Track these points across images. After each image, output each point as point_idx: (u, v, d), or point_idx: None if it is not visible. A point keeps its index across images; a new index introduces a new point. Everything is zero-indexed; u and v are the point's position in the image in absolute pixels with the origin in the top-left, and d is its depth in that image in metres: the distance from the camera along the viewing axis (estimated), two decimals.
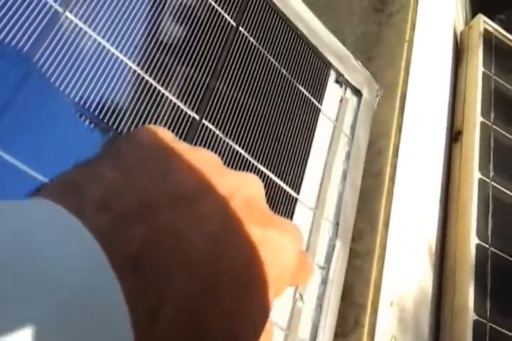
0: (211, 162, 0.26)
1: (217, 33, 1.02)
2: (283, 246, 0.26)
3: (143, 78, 0.86)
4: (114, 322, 0.19)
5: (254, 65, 1.06)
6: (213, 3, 1.01)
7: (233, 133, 0.98)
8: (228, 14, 1.04)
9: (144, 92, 0.86)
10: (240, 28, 1.06)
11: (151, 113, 0.87)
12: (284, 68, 1.12)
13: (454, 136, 1.45)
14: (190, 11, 0.98)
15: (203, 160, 0.26)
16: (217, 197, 0.24)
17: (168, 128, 0.90)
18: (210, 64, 0.97)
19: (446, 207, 1.33)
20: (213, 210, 0.24)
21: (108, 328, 0.18)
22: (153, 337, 0.20)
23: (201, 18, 0.98)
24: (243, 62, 1.04)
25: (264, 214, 0.27)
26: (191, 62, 0.95)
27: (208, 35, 0.99)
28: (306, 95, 1.15)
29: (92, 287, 0.18)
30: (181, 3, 0.98)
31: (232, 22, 1.04)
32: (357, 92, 1.29)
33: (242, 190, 0.26)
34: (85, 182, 0.22)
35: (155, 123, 0.87)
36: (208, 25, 1.00)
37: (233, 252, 0.23)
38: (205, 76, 0.97)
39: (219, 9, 1.02)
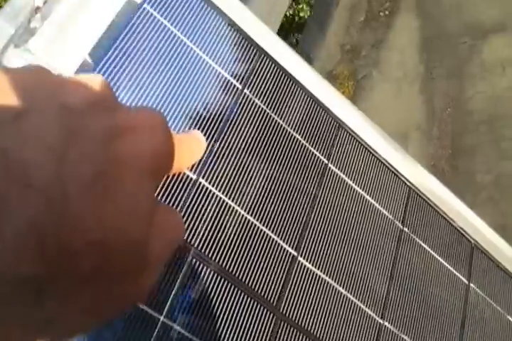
0: (37, 76, 0.24)
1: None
2: (138, 137, 0.25)
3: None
4: None
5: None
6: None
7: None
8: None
9: None
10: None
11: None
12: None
13: None
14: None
15: (29, 78, 0.24)
16: (48, 110, 0.22)
17: None
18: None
19: None
20: (46, 124, 0.22)
21: None
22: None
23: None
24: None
25: (110, 104, 0.24)
26: None
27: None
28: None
29: None
30: None
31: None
32: None
33: (79, 91, 0.23)
34: None
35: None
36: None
37: (79, 160, 0.22)
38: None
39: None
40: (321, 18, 5.08)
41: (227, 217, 1.03)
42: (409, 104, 3.63)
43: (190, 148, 0.30)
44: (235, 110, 1.10)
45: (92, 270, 0.22)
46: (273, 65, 1.19)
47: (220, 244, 1.00)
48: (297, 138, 1.18)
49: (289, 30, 6.40)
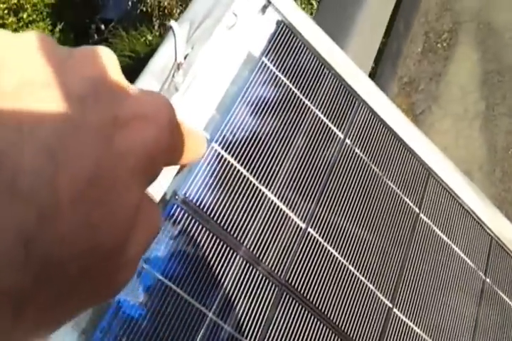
0: (37, 49, 0.21)
1: None
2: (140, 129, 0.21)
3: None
4: None
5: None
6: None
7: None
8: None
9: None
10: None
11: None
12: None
13: None
14: None
15: (28, 51, 0.21)
16: (46, 96, 0.19)
17: None
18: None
19: None
20: (42, 114, 0.19)
21: None
22: None
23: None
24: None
25: (114, 93, 0.21)
26: None
27: None
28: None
29: None
30: None
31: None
32: None
33: (80, 70, 0.21)
34: None
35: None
36: None
37: (74, 162, 0.19)
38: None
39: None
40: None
41: (327, 263, 1.07)
42: (471, 142, 3.60)
43: (196, 143, 0.27)
44: (338, 159, 1.16)
45: (76, 278, 0.21)
46: (372, 116, 1.24)
47: (318, 287, 1.05)
48: (392, 188, 1.22)
49: None
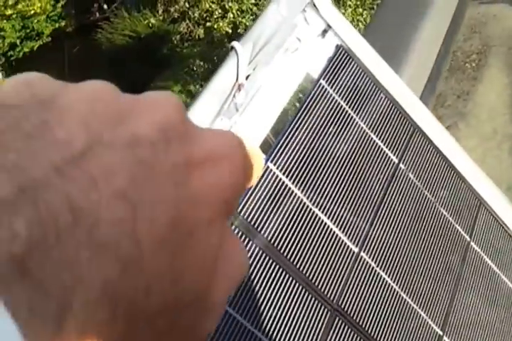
0: (100, 98, 0.20)
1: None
2: (219, 169, 0.20)
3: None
4: None
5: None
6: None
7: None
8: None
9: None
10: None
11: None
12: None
13: None
14: None
15: (89, 99, 0.20)
16: (115, 143, 0.19)
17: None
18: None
19: None
20: (115, 162, 0.19)
21: None
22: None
23: None
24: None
25: (185, 136, 0.21)
26: None
27: None
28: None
29: None
30: None
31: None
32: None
33: (148, 116, 0.20)
34: None
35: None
36: None
37: (153, 208, 0.19)
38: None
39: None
40: None
41: (380, 288, 1.07)
42: (498, 162, 3.56)
43: (256, 163, 0.28)
44: (391, 183, 1.15)
45: (163, 331, 0.20)
46: (426, 142, 1.24)
47: (371, 313, 1.04)
48: (444, 214, 1.22)
49: None
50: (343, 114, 1.15)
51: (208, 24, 6.77)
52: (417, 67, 1.75)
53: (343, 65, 1.18)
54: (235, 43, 1.06)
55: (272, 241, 0.97)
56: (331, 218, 1.07)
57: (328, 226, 1.06)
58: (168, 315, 0.19)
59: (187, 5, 6.97)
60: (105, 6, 7.27)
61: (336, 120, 1.13)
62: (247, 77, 1.00)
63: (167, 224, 0.19)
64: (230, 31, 6.46)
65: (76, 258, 0.17)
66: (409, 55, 1.74)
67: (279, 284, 0.99)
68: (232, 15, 6.60)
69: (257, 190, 0.98)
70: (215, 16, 6.78)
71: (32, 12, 6.63)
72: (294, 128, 1.07)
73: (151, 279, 0.18)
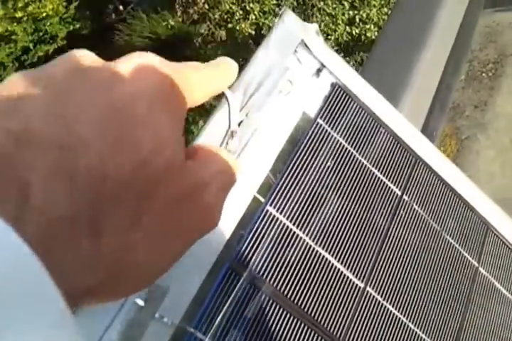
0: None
1: None
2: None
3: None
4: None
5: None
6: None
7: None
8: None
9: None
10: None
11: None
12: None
13: None
14: None
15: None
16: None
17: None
18: None
19: None
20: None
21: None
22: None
23: None
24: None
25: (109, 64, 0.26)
26: None
27: None
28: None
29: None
30: None
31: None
32: None
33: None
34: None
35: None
36: None
37: (85, 104, 0.23)
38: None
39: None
40: None
41: (388, 322, 1.08)
42: None
43: (225, 71, 0.31)
44: (396, 216, 1.17)
45: (139, 195, 0.22)
46: (429, 172, 1.26)
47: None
48: (451, 242, 1.23)
49: (355, 48, 6.36)
50: (342, 151, 1.18)
51: (230, 26, 6.64)
52: (415, 102, 1.77)
53: (340, 102, 1.21)
54: (226, 91, 1.10)
55: (279, 287, 1.00)
56: (335, 256, 1.09)
57: (333, 264, 1.09)
58: (140, 181, 0.22)
59: (206, 6, 6.86)
60: (121, 7, 7.20)
61: (335, 157, 1.16)
62: (239, 124, 1.03)
63: (102, 111, 0.22)
64: (253, 32, 6.35)
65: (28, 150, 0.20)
66: (422, 53, 1.75)
67: (287, 329, 1.01)
68: (254, 17, 6.46)
69: (260, 238, 1.01)
70: (236, 18, 6.66)
71: (44, 14, 6.43)
72: (293, 169, 1.10)
73: (102, 152, 0.21)
